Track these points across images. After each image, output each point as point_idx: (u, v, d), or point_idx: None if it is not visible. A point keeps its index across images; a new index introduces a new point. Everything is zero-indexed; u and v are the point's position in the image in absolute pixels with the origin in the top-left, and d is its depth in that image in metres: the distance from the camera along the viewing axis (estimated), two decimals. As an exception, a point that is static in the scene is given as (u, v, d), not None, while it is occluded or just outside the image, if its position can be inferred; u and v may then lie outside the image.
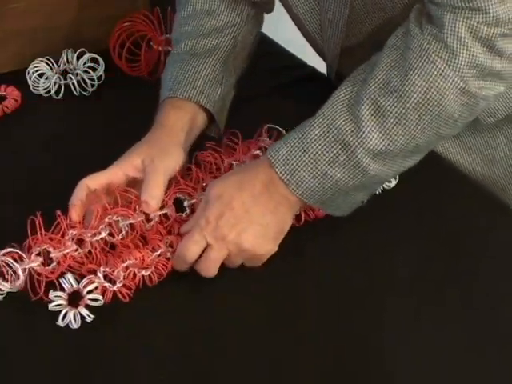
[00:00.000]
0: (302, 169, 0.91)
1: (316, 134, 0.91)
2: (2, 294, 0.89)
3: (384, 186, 1.02)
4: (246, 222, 0.91)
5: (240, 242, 0.91)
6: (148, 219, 0.95)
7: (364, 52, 0.97)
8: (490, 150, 1.12)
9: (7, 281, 0.89)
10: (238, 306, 0.91)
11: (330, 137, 0.91)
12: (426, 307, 0.91)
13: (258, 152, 1.01)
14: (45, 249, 0.90)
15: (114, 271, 0.89)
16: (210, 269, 0.91)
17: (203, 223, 0.91)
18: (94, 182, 0.96)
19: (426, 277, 0.94)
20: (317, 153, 0.91)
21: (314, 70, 1.27)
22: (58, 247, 0.90)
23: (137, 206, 0.94)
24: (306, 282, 0.94)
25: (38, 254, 0.90)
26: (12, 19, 1.21)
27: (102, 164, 0.99)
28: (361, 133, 0.90)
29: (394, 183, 1.03)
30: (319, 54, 1.15)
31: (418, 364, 0.85)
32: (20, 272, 0.89)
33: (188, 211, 0.97)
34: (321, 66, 1.22)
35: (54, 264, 0.90)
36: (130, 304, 0.89)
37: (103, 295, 0.89)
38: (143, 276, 0.90)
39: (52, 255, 0.90)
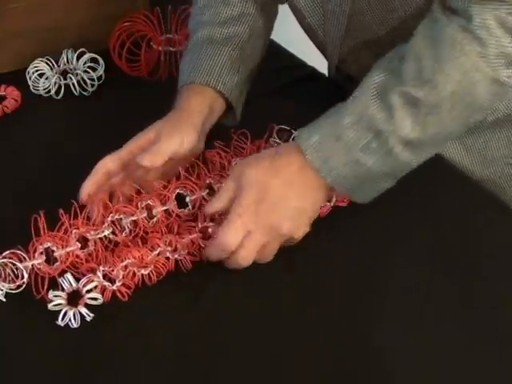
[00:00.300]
0: (334, 156, 0.92)
1: (348, 122, 0.92)
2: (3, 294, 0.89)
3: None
4: (283, 207, 0.92)
5: (279, 227, 0.92)
6: (151, 216, 0.95)
7: (364, 45, 0.97)
8: (489, 150, 1.12)
9: (9, 281, 0.89)
10: (238, 305, 0.91)
11: (363, 125, 0.91)
12: (426, 307, 0.90)
13: None
14: (48, 247, 0.90)
15: (113, 270, 0.89)
16: (247, 257, 0.92)
17: (241, 210, 0.91)
18: (113, 160, 0.97)
19: (425, 277, 0.94)
20: (349, 140, 0.92)
21: (313, 70, 1.27)
22: (61, 245, 0.90)
23: (139, 203, 0.94)
24: (307, 281, 0.94)
25: (42, 253, 0.90)
26: (12, 19, 1.21)
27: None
28: (393, 121, 0.91)
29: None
30: (319, 48, 1.15)
31: (418, 364, 0.85)
32: (23, 270, 0.88)
33: (190, 207, 0.97)
34: (321, 66, 1.22)
35: (58, 263, 0.90)
36: (130, 303, 0.89)
37: (102, 294, 0.89)
38: (142, 275, 0.90)
39: (56, 254, 0.90)
